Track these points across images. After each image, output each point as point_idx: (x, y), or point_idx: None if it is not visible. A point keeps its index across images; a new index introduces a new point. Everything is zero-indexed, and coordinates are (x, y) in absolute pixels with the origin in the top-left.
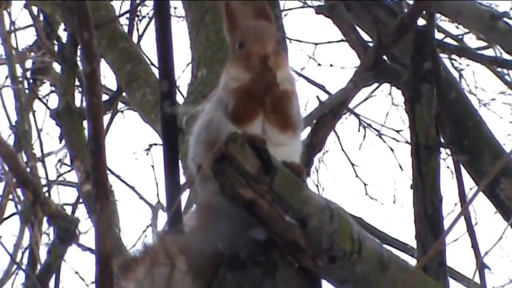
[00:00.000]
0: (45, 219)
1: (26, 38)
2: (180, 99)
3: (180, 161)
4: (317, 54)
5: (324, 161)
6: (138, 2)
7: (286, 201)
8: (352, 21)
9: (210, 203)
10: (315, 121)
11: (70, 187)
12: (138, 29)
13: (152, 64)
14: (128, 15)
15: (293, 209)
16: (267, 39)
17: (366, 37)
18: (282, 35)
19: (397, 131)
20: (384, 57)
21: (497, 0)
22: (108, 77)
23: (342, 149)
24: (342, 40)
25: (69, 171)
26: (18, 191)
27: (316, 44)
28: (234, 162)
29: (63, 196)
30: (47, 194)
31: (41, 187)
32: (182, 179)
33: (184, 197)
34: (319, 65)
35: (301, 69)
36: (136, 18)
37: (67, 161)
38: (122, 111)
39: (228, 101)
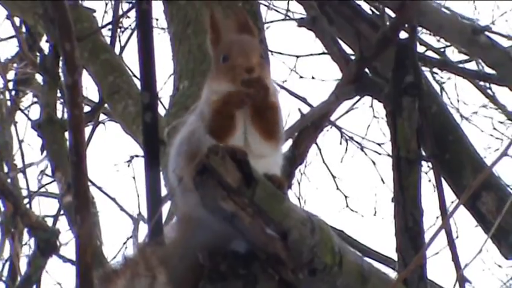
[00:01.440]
0: (25, 230)
1: (8, 49)
2: (161, 111)
3: (161, 173)
4: (299, 67)
5: (305, 174)
6: (120, 13)
7: (267, 214)
8: (334, 34)
9: (191, 215)
10: (296, 133)
11: (52, 198)
12: (120, 41)
13: (134, 76)
14: (110, 26)
15: (274, 222)
16: (251, 52)
17: (348, 50)
18: (264, 48)
19: (379, 144)
20: (366, 70)
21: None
22: (90, 88)
23: (324, 162)
24: (324, 53)
25: (50, 182)
26: None
27: (297, 56)
28: (215, 174)
29: (44, 208)
30: (28, 205)
31: (22, 198)
32: (163, 191)
33: (165, 208)
34: (300, 77)
35: (283, 81)
36: (118, 30)
37: (49, 171)
38: (103, 123)
39: (207, 115)
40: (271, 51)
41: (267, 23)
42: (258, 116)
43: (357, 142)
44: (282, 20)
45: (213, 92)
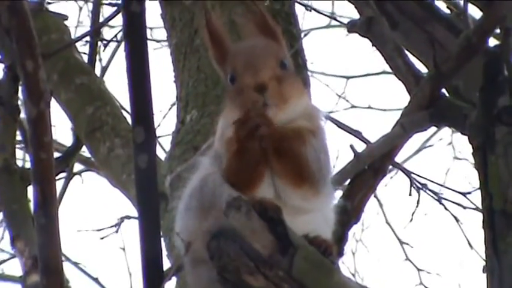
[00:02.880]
0: None
1: None
2: (161, 153)
3: (162, 239)
4: (349, 92)
5: (362, 241)
6: (101, 21)
7: None
8: (398, 41)
9: None
10: (349, 180)
11: (10, 282)
12: (101, 59)
13: (122, 107)
14: (88, 38)
15: None
16: (261, 63)
17: (418, 63)
18: (302, 62)
19: (463, 194)
20: (443, 90)
21: None
22: (60, 128)
23: (387, 222)
24: (384, 72)
25: (8, 259)
26: None
27: (348, 77)
28: (237, 238)
29: None
30: None
31: None
32: (166, 264)
33: None
34: (353, 106)
35: (329, 112)
36: (99, 43)
37: (5, 244)
38: (79, 174)
39: (223, 157)
40: (311, 72)
41: (306, 31)
42: (277, 152)
43: (432, 192)
44: (326, 26)
45: (228, 125)
